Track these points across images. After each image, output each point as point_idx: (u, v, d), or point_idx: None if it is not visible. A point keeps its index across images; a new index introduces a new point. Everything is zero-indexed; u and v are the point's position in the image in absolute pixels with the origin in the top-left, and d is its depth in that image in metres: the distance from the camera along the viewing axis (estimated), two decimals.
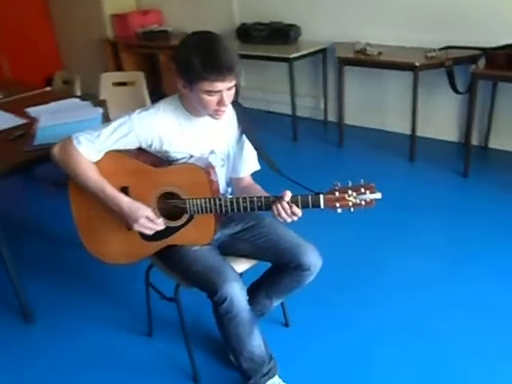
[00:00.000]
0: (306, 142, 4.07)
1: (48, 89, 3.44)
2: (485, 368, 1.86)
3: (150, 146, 1.62)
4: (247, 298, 1.60)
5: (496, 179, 3.19)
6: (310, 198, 1.52)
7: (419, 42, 3.50)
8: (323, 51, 4.08)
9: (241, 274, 2.03)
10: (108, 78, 3.47)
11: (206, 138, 1.68)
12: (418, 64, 3.22)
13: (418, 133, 3.71)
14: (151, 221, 1.59)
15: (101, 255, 1.77)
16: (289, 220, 1.54)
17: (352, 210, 1.53)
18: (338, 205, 1.52)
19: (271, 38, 4.17)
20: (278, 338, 2.03)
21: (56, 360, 2.06)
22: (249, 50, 4.22)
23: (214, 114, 1.57)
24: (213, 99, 1.51)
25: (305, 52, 3.96)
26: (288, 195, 1.51)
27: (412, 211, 2.94)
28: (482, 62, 3.02)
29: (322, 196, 1.51)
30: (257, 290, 1.87)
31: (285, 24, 4.17)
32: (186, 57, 1.47)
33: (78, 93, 3.42)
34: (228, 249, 1.79)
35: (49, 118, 2.58)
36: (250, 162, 1.82)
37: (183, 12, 5.12)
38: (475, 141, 3.65)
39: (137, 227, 1.58)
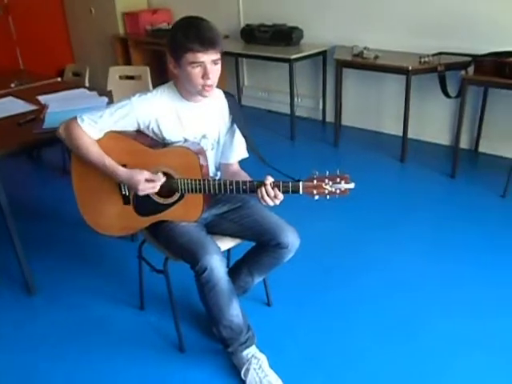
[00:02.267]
0: (302, 141, 4.22)
1: (58, 79, 3.61)
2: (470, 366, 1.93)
3: (148, 127, 1.77)
4: (226, 270, 1.74)
5: (483, 181, 3.32)
6: (290, 184, 1.66)
7: (414, 48, 3.65)
8: (323, 53, 4.24)
9: (228, 254, 2.21)
10: (115, 72, 3.64)
11: (198, 122, 1.82)
12: (410, 68, 3.36)
13: (412, 135, 3.87)
14: (152, 180, 1.73)
15: (97, 226, 1.93)
16: (271, 203, 1.68)
17: (328, 197, 1.67)
18: (315, 192, 1.65)
19: (274, 39, 4.32)
20: (259, 316, 2.17)
21: (53, 328, 2.22)
22: (252, 50, 4.40)
23: (202, 90, 1.70)
24: (197, 72, 1.64)
25: (305, 54, 4.12)
26: (269, 179, 1.66)
27: (398, 207, 3.08)
28: (471, 69, 3.16)
29: (301, 183, 1.65)
30: (240, 267, 2.04)
31: (288, 26, 4.33)
32: (173, 34, 1.64)
33: (87, 84, 3.59)
34: (215, 228, 1.94)
35: (57, 104, 2.75)
36: (239, 149, 1.95)
37: (192, 11, 5.18)
38: (466, 144, 3.80)
39: (141, 192, 1.72)
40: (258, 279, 2.07)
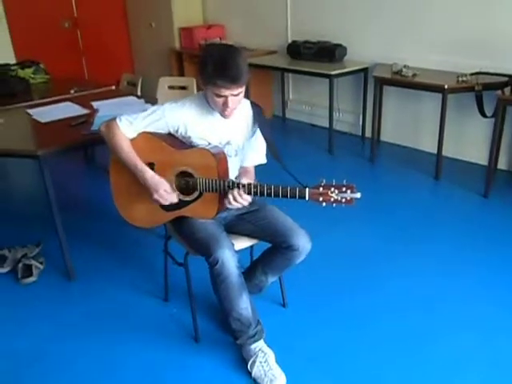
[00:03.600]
0: (340, 155, 4.31)
1: (113, 87, 3.92)
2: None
3: (177, 131, 1.96)
4: (238, 265, 1.88)
5: None
6: (297, 189, 1.78)
7: (453, 66, 3.68)
8: (365, 70, 4.33)
9: (251, 252, 2.36)
10: (165, 82, 3.89)
11: (224, 129, 1.98)
12: (446, 87, 3.40)
13: (449, 154, 3.89)
14: (168, 193, 1.92)
15: (130, 219, 2.14)
16: (235, 204, 1.83)
17: (334, 205, 1.76)
18: (321, 199, 1.75)
19: (318, 55, 4.46)
20: (273, 316, 2.30)
21: (87, 311, 2.44)
22: (297, 65, 4.56)
23: (222, 113, 1.89)
24: (219, 100, 1.83)
25: (345, 70, 4.23)
26: (244, 180, 1.86)
27: (425, 224, 3.11)
28: (509, 89, 3.16)
29: (307, 189, 1.77)
30: (256, 267, 2.18)
31: (332, 43, 4.46)
32: (204, 62, 1.80)
33: (139, 93, 3.87)
34: (233, 228, 2.10)
35: (107, 109, 3.02)
36: (255, 155, 2.10)
37: (244, 28, 5.54)
38: (503, 165, 3.76)
39: (155, 196, 1.92)
40: (271, 279, 2.19)
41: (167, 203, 1.94)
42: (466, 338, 2.16)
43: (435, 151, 3.70)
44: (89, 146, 3.00)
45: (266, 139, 2.03)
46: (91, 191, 3.83)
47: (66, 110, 3.10)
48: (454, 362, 2.03)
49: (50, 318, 2.41)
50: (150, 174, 1.94)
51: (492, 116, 3.28)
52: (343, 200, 1.74)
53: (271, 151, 2.02)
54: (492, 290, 2.47)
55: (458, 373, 1.98)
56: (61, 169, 4.02)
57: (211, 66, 1.77)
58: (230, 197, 1.83)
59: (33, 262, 2.70)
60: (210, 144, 1.97)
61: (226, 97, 1.81)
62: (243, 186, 1.83)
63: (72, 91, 3.68)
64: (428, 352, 2.09)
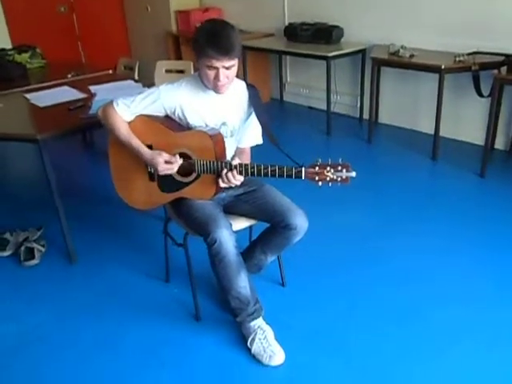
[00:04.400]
0: (338, 137, 4.33)
1: (110, 72, 3.91)
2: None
3: (174, 113, 1.98)
4: (236, 244, 1.91)
5: None
6: (294, 169, 1.80)
7: (450, 47, 3.68)
8: (363, 52, 4.33)
9: (250, 233, 2.40)
10: (162, 66, 3.89)
11: (219, 110, 2.00)
12: (443, 67, 3.40)
13: (446, 134, 3.91)
14: (170, 162, 1.92)
15: (128, 200, 2.17)
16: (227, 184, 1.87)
17: (330, 184, 1.78)
18: (317, 178, 1.78)
19: (315, 37, 4.45)
20: (273, 295, 2.35)
21: (89, 292, 2.48)
22: (294, 47, 4.56)
23: (215, 88, 1.90)
24: (211, 73, 1.84)
25: (343, 52, 4.22)
26: (236, 160, 1.87)
27: (422, 203, 3.14)
28: (505, 68, 3.16)
29: (303, 168, 1.79)
30: (255, 246, 2.22)
31: (328, 25, 4.44)
32: (197, 36, 1.83)
33: (136, 77, 3.86)
34: (232, 208, 2.13)
35: (104, 93, 3.02)
36: (251, 135, 2.13)
37: (241, 10, 5.50)
38: (500, 145, 3.78)
39: (161, 172, 1.93)
40: (270, 258, 2.23)
41: (174, 171, 1.94)
42: (461, 310, 2.22)
43: (432, 132, 3.72)
44: (87, 130, 3.04)
45: (260, 122, 2.04)
46: (91, 175, 3.86)
47: (64, 94, 3.10)
48: (450, 333, 2.09)
49: (53, 299, 2.46)
50: (145, 150, 1.96)
51: (489, 95, 3.29)
52: (339, 179, 1.76)
53: (266, 134, 2.03)
54: (487, 266, 2.51)
55: (453, 343, 2.04)
56: (60, 153, 4.02)
57: (203, 38, 1.79)
58: (223, 176, 1.86)
59: (34, 245, 2.74)
60: (207, 126, 1.99)
61: (217, 69, 1.82)
62: (240, 165, 1.85)
63: (69, 75, 3.67)
64: (424, 324, 2.14)
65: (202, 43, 1.79)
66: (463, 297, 2.31)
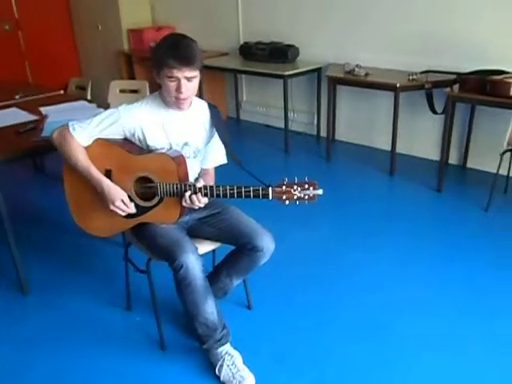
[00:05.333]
0: (296, 155, 4.34)
1: (61, 92, 3.78)
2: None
3: (133, 135, 1.90)
4: (202, 269, 1.85)
5: (468, 195, 3.42)
6: (260, 189, 1.76)
7: (404, 65, 3.78)
8: (318, 70, 4.38)
9: (213, 257, 2.34)
10: (116, 86, 3.80)
11: (181, 130, 1.94)
12: (398, 85, 3.49)
13: (402, 150, 4.00)
14: (125, 204, 1.86)
15: (88, 229, 2.06)
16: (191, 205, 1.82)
17: (297, 202, 1.75)
18: (284, 197, 1.75)
19: (271, 56, 4.47)
20: (239, 318, 2.29)
21: (44, 326, 2.33)
22: (250, 66, 4.56)
23: (176, 102, 1.85)
24: (172, 85, 1.79)
25: (299, 70, 4.26)
26: (200, 182, 1.83)
27: (382, 218, 3.19)
28: (457, 86, 3.27)
29: (270, 188, 1.75)
30: (220, 270, 2.14)
31: (284, 44, 4.48)
32: (156, 50, 1.80)
33: (89, 97, 3.75)
34: (196, 231, 2.06)
35: (57, 115, 2.90)
36: (214, 156, 2.08)
37: (195, 29, 5.43)
38: (454, 160, 3.90)
39: (112, 207, 1.86)
40: (236, 281, 2.16)
41: (124, 214, 1.89)
42: (422, 321, 2.26)
43: (389, 148, 3.80)
44: (39, 154, 2.90)
45: (223, 142, 2.00)
46: (43, 200, 3.67)
47: (13, 116, 2.95)
48: (413, 344, 2.13)
49: (3, 333, 2.29)
50: (106, 183, 1.87)
51: (442, 112, 3.39)
52: (306, 197, 1.74)
53: (229, 154, 2.00)
54: (444, 276, 2.59)
55: (417, 355, 2.07)
56: (9, 178, 3.84)
57: (163, 49, 1.77)
58: (186, 198, 1.80)
59: None
60: (169, 148, 1.92)
61: (178, 80, 1.78)
62: (205, 187, 1.80)
63: (17, 96, 3.51)
64: (389, 338, 2.16)
65: (162, 54, 1.76)
66: (423, 307, 2.36)
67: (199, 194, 1.80)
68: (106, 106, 3.12)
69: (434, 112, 3.55)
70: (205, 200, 1.83)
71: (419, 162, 4.04)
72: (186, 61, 1.75)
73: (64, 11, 6.19)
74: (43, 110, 3.04)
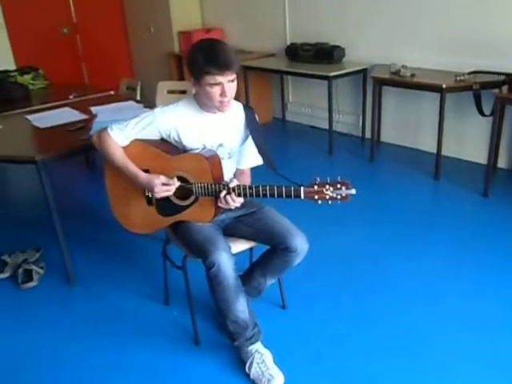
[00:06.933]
0: (340, 156, 4.32)
1: (112, 92, 3.93)
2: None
3: (169, 136, 1.96)
4: (235, 267, 1.88)
5: None
6: (292, 189, 1.78)
7: (451, 66, 3.68)
8: (364, 71, 4.33)
9: (250, 255, 2.37)
10: (163, 87, 3.91)
11: (216, 132, 1.98)
12: (444, 86, 3.40)
13: (449, 153, 3.90)
14: (167, 184, 1.90)
15: (127, 225, 2.15)
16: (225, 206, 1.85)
17: (330, 202, 1.75)
18: (316, 197, 1.74)
19: (316, 57, 4.46)
20: (273, 317, 2.32)
21: (86, 314, 2.45)
22: (295, 67, 4.58)
23: (220, 106, 1.87)
24: (216, 91, 1.82)
25: (344, 71, 4.24)
26: (233, 182, 1.85)
27: (424, 224, 3.10)
28: (506, 87, 3.15)
29: (302, 188, 1.76)
30: (254, 269, 2.18)
31: (330, 45, 4.46)
32: (193, 57, 1.82)
33: (138, 97, 3.88)
34: (231, 230, 2.10)
35: (105, 114, 3.03)
36: (249, 157, 2.10)
37: (243, 31, 5.56)
38: (503, 164, 3.76)
39: (157, 194, 1.90)
40: (270, 281, 2.19)
41: (171, 193, 1.92)
42: (465, 338, 2.15)
43: (435, 151, 3.70)
44: (87, 151, 3.06)
45: (256, 144, 2.01)
46: (91, 196, 3.84)
47: (65, 115, 3.11)
48: (453, 362, 2.03)
49: (50, 322, 2.42)
50: (142, 174, 1.94)
51: (490, 114, 3.28)
52: (338, 197, 1.72)
53: (263, 157, 2.01)
54: (490, 290, 2.45)
55: (457, 372, 1.97)
56: (62, 174, 4.04)
57: (201, 57, 1.78)
58: (221, 198, 1.84)
59: (33, 267, 2.71)
60: (204, 148, 1.97)
61: (222, 84, 1.81)
62: (238, 187, 1.83)
63: (71, 96, 3.69)
64: (427, 352, 2.08)
65: (201, 63, 1.78)
66: (466, 323, 2.24)
67: (233, 194, 1.83)
68: (153, 107, 3.21)
69: (482, 114, 3.43)
70: (240, 200, 1.86)
71: (466, 166, 3.91)
72: (227, 65, 1.78)
73: (118, 15, 6.43)
74: (93, 109, 3.19)
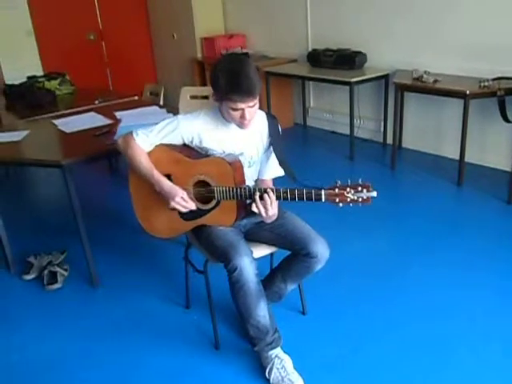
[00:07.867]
0: (361, 162, 4.30)
1: (135, 98, 4.00)
2: None
3: (191, 142, 1.99)
4: (256, 272, 1.89)
5: None
6: (313, 191, 1.78)
7: (475, 72, 3.64)
8: (385, 77, 4.32)
9: (271, 260, 2.37)
10: (186, 92, 3.95)
11: (237, 142, 2.00)
12: (468, 92, 3.37)
13: (472, 160, 3.85)
14: (185, 201, 1.95)
15: (150, 229, 2.18)
16: (263, 212, 1.85)
17: (351, 205, 1.75)
18: (337, 200, 1.75)
19: (338, 63, 4.46)
20: (293, 323, 2.32)
21: (109, 317, 2.49)
22: (317, 73, 4.59)
23: (240, 125, 1.92)
24: (236, 114, 1.86)
25: (366, 77, 4.23)
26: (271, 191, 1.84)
27: (446, 231, 3.06)
28: None
29: (323, 191, 1.77)
30: (275, 274, 2.20)
31: (352, 51, 4.46)
32: (216, 77, 1.83)
33: (161, 102, 3.94)
34: (252, 235, 2.12)
35: (129, 119, 3.09)
36: (272, 168, 2.10)
37: (265, 37, 5.60)
38: None
39: (172, 203, 1.94)
40: (291, 286, 2.20)
41: (185, 210, 1.97)
42: (486, 350, 2.11)
43: (457, 157, 3.66)
44: (112, 156, 3.12)
45: (278, 158, 2.01)
46: (115, 200, 3.91)
47: (90, 120, 3.18)
48: (477, 374, 1.99)
49: (74, 323, 2.47)
50: (166, 182, 1.97)
51: None
52: (360, 199, 1.73)
53: (283, 168, 2.01)
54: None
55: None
56: (86, 178, 4.12)
57: (224, 82, 1.80)
58: (258, 202, 1.83)
59: (58, 269, 2.77)
60: (224, 152, 1.99)
61: (242, 110, 1.84)
62: (259, 190, 1.85)
63: (96, 102, 3.77)
64: (449, 364, 2.05)
65: (224, 88, 1.80)
66: (489, 338, 2.18)
67: (271, 193, 1.82)
68: (176, 112, 3.27)
69: (507, 120, 3.38)
70: (275, 203, 1.84)
71: (489, 173, 3.86)
72: (249, 93, 1.79)
73: (143, 22, 6.54)
74: (118, 114, 3.25)
